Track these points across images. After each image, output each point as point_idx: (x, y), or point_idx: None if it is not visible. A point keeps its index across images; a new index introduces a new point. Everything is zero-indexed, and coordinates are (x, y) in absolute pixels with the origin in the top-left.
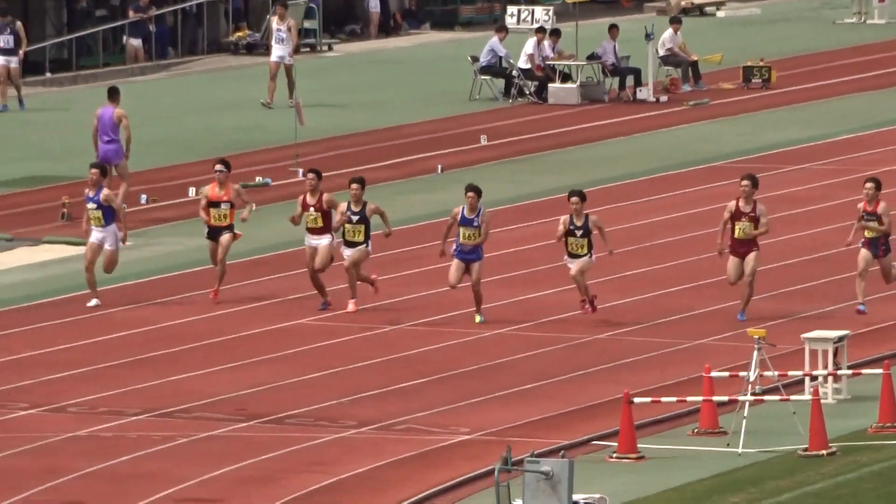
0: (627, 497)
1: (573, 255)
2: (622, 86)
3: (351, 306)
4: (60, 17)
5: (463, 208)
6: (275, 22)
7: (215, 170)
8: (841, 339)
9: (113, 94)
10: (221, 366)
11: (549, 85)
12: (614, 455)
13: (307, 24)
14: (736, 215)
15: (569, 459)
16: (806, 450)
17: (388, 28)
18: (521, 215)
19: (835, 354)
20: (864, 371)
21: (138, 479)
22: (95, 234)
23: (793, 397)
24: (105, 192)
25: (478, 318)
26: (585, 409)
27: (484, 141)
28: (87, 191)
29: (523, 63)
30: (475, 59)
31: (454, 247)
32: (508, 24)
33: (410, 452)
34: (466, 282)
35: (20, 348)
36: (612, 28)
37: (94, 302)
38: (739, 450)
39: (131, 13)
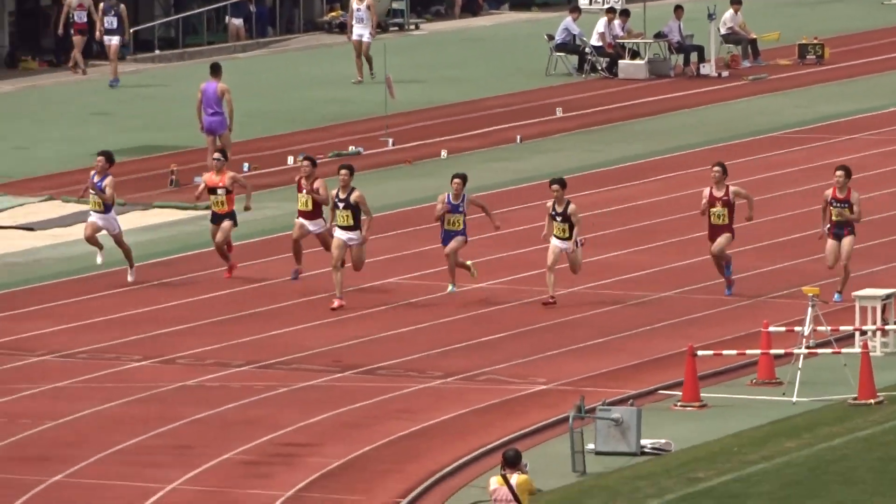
0: (690, 442)
1: (558, 238)
2: (686, 62)
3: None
4: None
5: (448, 195)
6: (354, 2)
7: (213, 158)
8: (889, 296)
9: (216, 70)
10: (317, 321)
11: (619, 61)
12: (678, 403)
13: (395, 5)
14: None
15: (637, 407)
16: (855, 399)
17: (470, 8)
18: (594, 182)
19: (883, 311)
20: None
21: (243, 425)
22: (94, 217)
23: (844, 350)
24: (108, 179)
25: (450, 288)
26: (652, 362)
27: (559, 113)
28: (93, 174)
29: (595, 41)
30: (551, 38)
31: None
32: (581, 4)
33: (492, 401)
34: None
35: (133, 305)
36: (678, 8)
37: (99, 260)
38: (794, 399)
39: None
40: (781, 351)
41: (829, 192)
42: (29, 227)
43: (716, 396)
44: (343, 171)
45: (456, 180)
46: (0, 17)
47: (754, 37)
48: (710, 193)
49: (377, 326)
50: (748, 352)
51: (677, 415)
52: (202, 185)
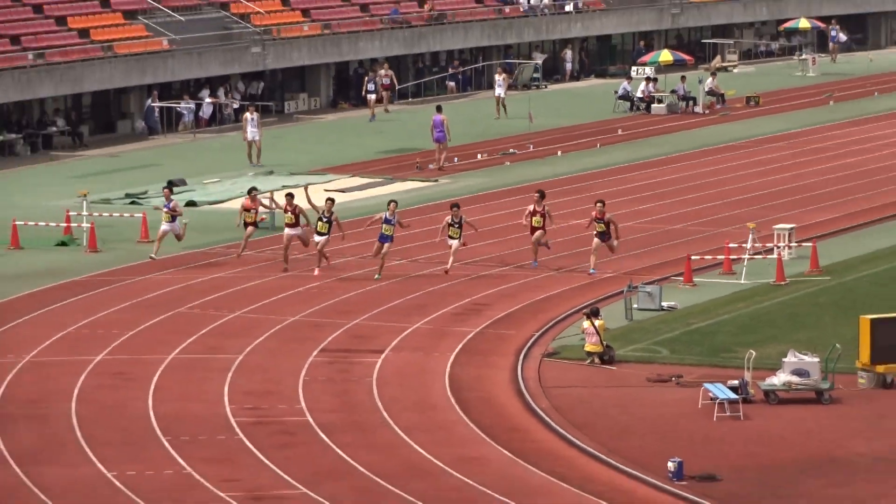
0: (687, 304)
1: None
2: (687, 105)
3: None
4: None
5: (385, 213)
6: (498, 77)
7: (250, 192)
8: (791, 228)
9: (439, 108)
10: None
11: (652, 105)
12: (682, 284)
13: (535, 74)
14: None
15: (659, 286)
16: (775, 281)
17: (575, 76)
18: (638, 168)
19: (789, 236)
20: None
21: (454, 295)
22: (164, 226)
23: (768, 256)
24: (174, 202)
25: (377, 276)
26: (668, 262)
27: (619, 132)
28: (166, 201)
29: (639, 94)
30: (615, 92)
31: (379, 234)
32: (632, 74)
33: (582, 283)
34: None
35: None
36: (683, 77)
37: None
38: (742, 280)
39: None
40: (735, 256)
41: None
42: (341, 190)
43: (701, 280)
44: (328, 201)
45: (392, 204)
46: (327, 78)
47: (723, 92)
48: (533, 209)
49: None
50: (718, 257)
51: (681, 290)
52: (240, 206)
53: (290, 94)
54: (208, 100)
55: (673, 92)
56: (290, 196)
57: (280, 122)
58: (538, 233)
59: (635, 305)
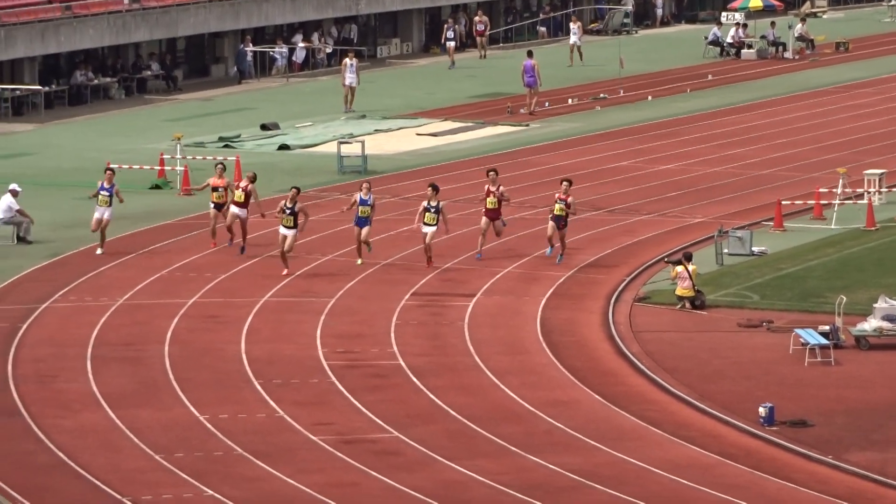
0: (777, 249)
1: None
2: (777, 51)
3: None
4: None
5: (359, 194)
6: (573, 25)
7: (216, 166)
8: (882, 173)
9: (530, 53)
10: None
11: (742, 51)
12: (772, 228)
13: (626, 20)
14: None
15: (749, 231)
16: (864, 227)
17: (665, 21)
18: (731, 112)
19: (880, 181)
20: None
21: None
22: (100, 211)
23: (859, 201)
24: (117, 186)
25: (358, 261)
26: (759, 208)
27: (710, 77)
28: (102, 182)
29: (729, 39)
30: (705, 38)
31: (354, 217)
32: (722, 20)
33: (674, 227)
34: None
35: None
36: (772, 23)
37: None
38: (833, 226)
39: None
40: (825, 201)
41: None
42: (432, 134)
43: (791, 225)
44: (293, 190)
45: (365, 185)
46: (420, 23)
47: (812, 37)
48: (487, 189)
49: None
50: (808, 202)
51: (771, 235)
52: (208, 184)
53: (382, 39)
54: (301, 44)
55: (762, 37)
56: (253, 175)
57: (372, 66)
58: (497, 222)
59: (726, 250)
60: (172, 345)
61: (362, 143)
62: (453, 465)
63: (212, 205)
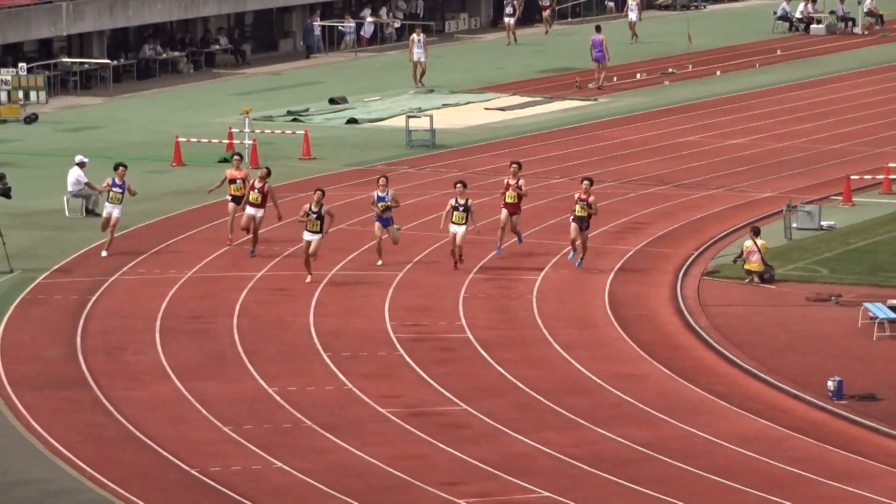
0: (846, 223)
1: (508, 205)
2: (846, 26)
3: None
4: None
5: (377, 192)
6: (631, 2)
7: (233, 157)
8: None
9: (598, 28)
10: None
11: (811, 26)
12: (841, 203)
13: None
14: None
15: (818, 205)
16: None
17: None
18: (798, 87)
19: None
20: None
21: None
22: (109, 208)
23: None
24: (129, 183)
25: (379, 262)
26: (828, 182)
27: (779, 52)
28: (113, 178)
29: (798, 14)
30: (774, 13)
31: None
32: None
33: (743, 202)
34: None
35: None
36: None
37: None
38: None
39: None
40: (894, 176)
41: None
42: (501, 108)
43: (860, 200)
44: (317, 193)
45: (382, 180)
46: None
47: (882, 13)
48: (507, 182)
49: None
50: (877, 177)
51: (840, 209)
52: (225, 177)
53: (450, 14)
54: (370, 19)
55: (832, 13)
56: (266, 172)
57: (440, 41)
58: (514, 217)
59: (794, 225)
60: (241, 317)
61: (430, 117)
62: (521, 437)
63: (229, 198)
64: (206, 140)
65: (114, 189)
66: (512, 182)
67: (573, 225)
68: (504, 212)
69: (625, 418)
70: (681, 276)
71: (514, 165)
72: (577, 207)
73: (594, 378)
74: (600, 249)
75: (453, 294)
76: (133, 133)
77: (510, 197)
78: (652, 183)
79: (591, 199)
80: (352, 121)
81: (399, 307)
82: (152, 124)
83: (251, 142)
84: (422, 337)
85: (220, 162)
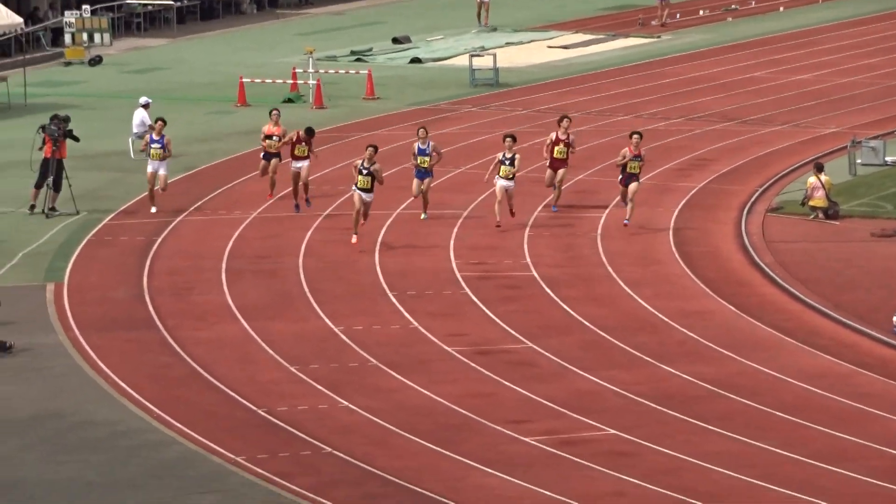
0: None
1: (556, 161)
2: None
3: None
4: None
5: (417, 143)
6: None
7: (271, 113)
8: None
9: None
10: None
11: None
12: None
13: None
14: None
15: (883, 141)
16: None
17: None
18: (858, 23)
19: None
20: None
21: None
22: (154, 165)
23: None
24: (168, 137)
25: (423, 216)
26: (893, 118)
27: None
28: (151, 134)
29: None
30: None
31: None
32: None
33: (798, 140)
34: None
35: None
36: None
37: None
38: None
39: None
40: None
41: None
42: (563, 47)
43: None
44: (369, 149)
45: (421, 131)
46: None
47: None
48: (556, 136)
49: None
50: None
51: None
52: (262, 134)
53: None
54: None
55: None
56: (310, 131)
57: None
58: (561, 171)
59: (859, 161)
60: (307, 257)
61: (494, 56)
62: (587, 375)
63: (263, 154)
64: (271, 80)
65: (153, 146)
66: (562, 137)
67: (632, 186)
68: (549, 171)
69: (690, 355)
70: (745, 212)
71: (566, 120)
72: (631, 165)
73: (660, 315)
74: (665, 186)
75: (518, 232)
76: (197, 74)
77: (559, 152)
78: (717, 119)
79: (644, 150)
80: (415, 60)
81: (464, 246)
82: (216, 65)
83: (315, 82)
84: (487, 275)
85: (284, 102)
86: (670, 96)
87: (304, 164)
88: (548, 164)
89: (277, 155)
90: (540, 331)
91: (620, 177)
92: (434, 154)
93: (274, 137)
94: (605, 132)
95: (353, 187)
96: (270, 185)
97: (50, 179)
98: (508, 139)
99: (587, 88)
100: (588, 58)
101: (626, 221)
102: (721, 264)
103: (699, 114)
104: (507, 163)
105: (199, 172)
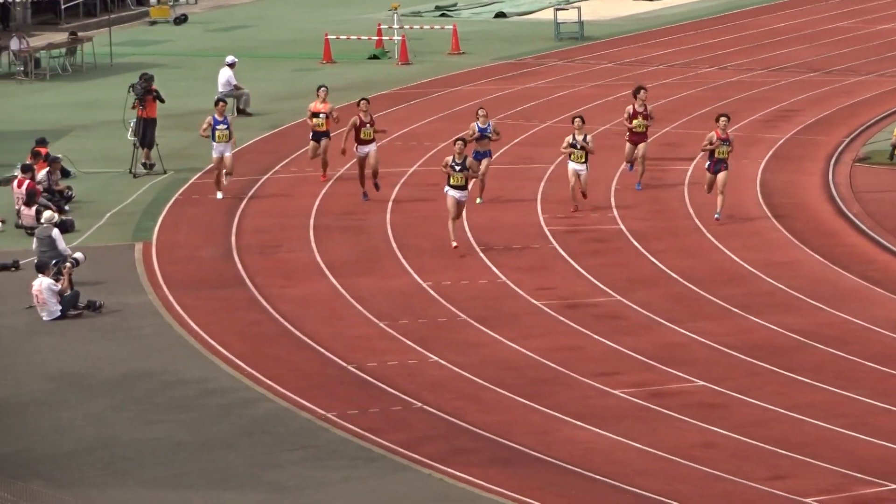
0: None
1: (635, 135)
2: None
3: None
4: None
5: (477, 123)
6: None
7: (319, 90)
8: None
9: None
10: None
11: None
12: None
13: None
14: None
15: None
16: None
17: None
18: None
19: None
20: None
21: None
22: (219, 148)
23: None
24: (231, 117)
25: (478, 200)
26: None
27: None
28: (213, 115)
29: None
30: None
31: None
32: None
33: (884, 90)
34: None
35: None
36: None
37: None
38: None
39: None
40: None
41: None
42: None
43: None
44: (458, 144)
45: (482, 112)
46: None
47: None
48: (633, 109)
49: None
50: None
51: None
52: (308, 112)
53: None
54: None
55: None
56: (365, 100)
57: None
58: (641, 146)
59: None
60: (394, 213)
61: (578, 9)
62: (676, 327)
63: (311, 134)
64: (356, 37)
65: (217, 127)
66: (639, 109)
67: (720, 175)
68: (628, 145)
69: (779, 306)
70: (832, 163)
71: (643, 91)
72: (720, 150)
73: (747, 266)
74: (751, 138)
75: (605, 186)
76: (282, 31)
77: (639, 126)
78: (802, 70)
79: (730, 132)
80: (500, 14)
81: (551, 200)
82: (301, 22)
83: (400, 38)
84: (574, 229)
85: (369, 58)
86: (754, 48)
87: (371, 147)
88: (626, 137)
89: (327, 133)
90: (628, 284)
91: (708, 163)
92: (494, 134)
93: (321, 115)
94: (690, 84)
95: (446, 188)
96: (323, 166)
97: (136, 138)
98: (577, 119)
99: (671, 41)
100: (672, 10)
101: (716, 216)
102: (808, 215)
103: (784, 65)
104: (578, 147)
105: (285, 130)
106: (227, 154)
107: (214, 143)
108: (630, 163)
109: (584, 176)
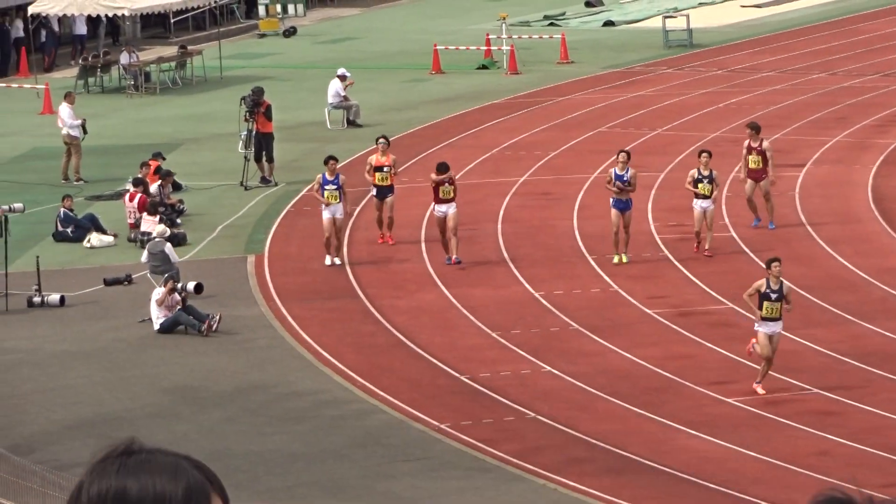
0: None
1: (752, 172)
2: None
3: None
4: None
5: (615, 169)
6: None
7: (378, 142)
8: None
9: None
10: None
11: None
12: None
13: None
14: None
15: None
16: None
17: None
18: None
19: None
20: None
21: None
22: (330, 210)
23: None
24: (343, 178)
25: (624, 258)
26: None
27: None
28: (324, 173)
29: None
30: None
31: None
32: None
33: None
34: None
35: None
36: None
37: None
38: None
39: None
40: None
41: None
42: (758, 5)
43: None
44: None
45: (622, 155)
46: None
47: None
48: (748, 144)
49: None
50: None
51: None
52: (368, 166)
53: None
54: None
55: None
56: (443, 167)
57: None
58: (762, 183)
59: None
60: (505, 223)
61: (687, 16)
62: (789, 335)
63: (373, 189)
64: (464, 47)
65: (326, 188)
66: (755, 144)
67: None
68: (749, 182)
69: (891, 312)
70: None
71: (751, 129)
72: (750, 160)
73: (859, 273)
74: (862, 143)
75: (717, 194)
76: (390, 43)
77: (754, 162)
78: None
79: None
80: (608, 23)
81: (662, 208)
82: (409, 33)
83: (509, 48)
84: (685, 237)
85: (478, 69)
86: (864, 53)
87: (450, 207)
88: (744, 175)
89: (391, 189)
90: (740, 291)
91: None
92: (631, 183)
93: (385, 168)
94: (800, 90)
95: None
96: (387, 226)
97: (249, 152)
98: (704, 154)
99: (781, 47)
100: (781, 16)
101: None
102: None
103: (894, 70)
104: (705, 180)
105: (395, 141)
106: (338, 215)
107: (323, 207)
108: (749, 200)
109: (711, 212)
